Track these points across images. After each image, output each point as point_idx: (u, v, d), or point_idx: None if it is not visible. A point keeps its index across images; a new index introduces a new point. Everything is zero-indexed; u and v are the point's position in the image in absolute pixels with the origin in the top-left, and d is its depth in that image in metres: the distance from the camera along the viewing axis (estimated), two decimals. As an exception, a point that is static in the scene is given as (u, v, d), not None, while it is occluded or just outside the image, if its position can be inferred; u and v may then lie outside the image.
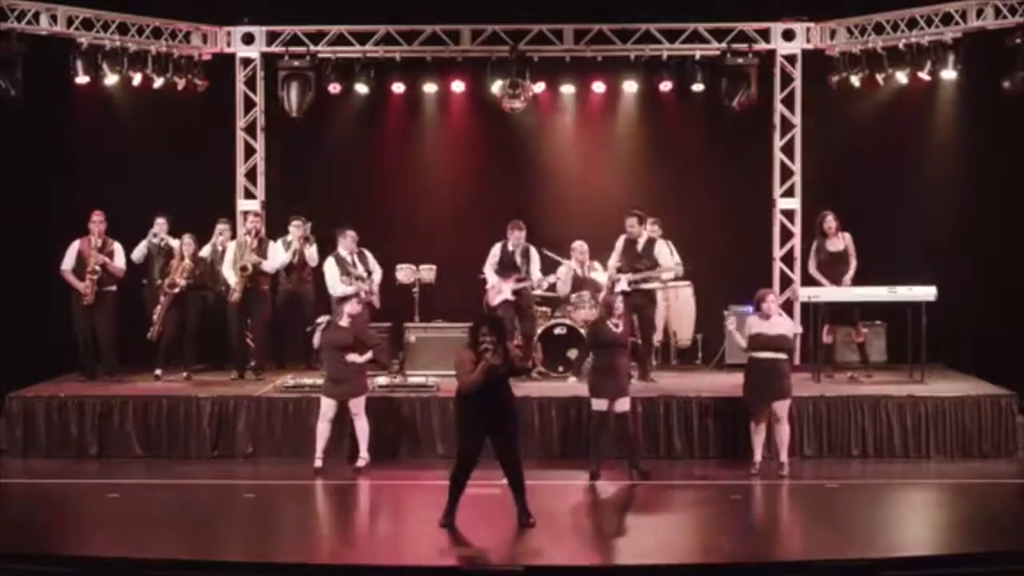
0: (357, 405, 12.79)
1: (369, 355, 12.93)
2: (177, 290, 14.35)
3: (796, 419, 12.99)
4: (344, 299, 13.64)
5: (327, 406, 12.76)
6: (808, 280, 14.74)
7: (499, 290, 14.46)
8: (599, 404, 12.43)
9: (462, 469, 10.83)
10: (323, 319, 13.26)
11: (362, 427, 12.80)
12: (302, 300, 14.88)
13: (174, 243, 14.72)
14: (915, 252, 15.05)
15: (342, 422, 12.88)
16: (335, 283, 14.27)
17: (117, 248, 14.52)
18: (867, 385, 14.11)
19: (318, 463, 12.72)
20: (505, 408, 10.79)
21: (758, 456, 12.55)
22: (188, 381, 14.35)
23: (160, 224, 14.85)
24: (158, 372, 14.48)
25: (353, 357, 12.71)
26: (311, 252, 14.82)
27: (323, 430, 12.77)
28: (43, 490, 12.41)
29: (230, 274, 14.45)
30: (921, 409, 13.32)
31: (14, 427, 13.43)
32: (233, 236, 15.12)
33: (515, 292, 14.51)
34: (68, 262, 14.36)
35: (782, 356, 12.41)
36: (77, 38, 14.82)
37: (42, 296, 14.80)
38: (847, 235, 14.57)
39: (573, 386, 13.87)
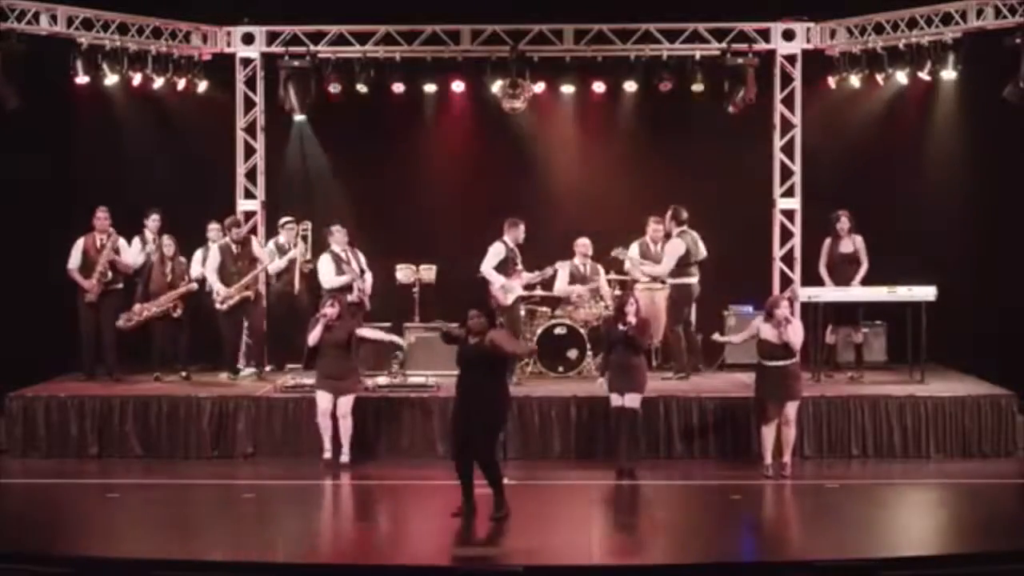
0: (346, 404, 12.84)
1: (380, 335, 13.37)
2: (176, 315, 14.46)
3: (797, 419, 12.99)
4: (338, 291, 13.87)
5: (323, 400, 12.85)
6: (816, 278, 14.76)
7: (509, 288, 14.39)
8: (615, 400, 12.45)
9: (454, 459, 11.02)
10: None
11: (347, 427, 12.87)
12: (295, 299, 14.86)
13: (166, 246, 14.65)
14: (915, 252, 15.05)
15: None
16: (330, 276, 14.31)
17: (122, 244, 14.52)
18: (867, 385, 14.11)
19: (327, 455, 12.84)
20: (478, 401, 10.89)
21: (769, 458, 12.53)
22: (188, 381, 14.35)
23: (153, 220, 14.83)
24: (157, 373, 14.49)
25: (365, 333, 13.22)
26: (302, 249, 14.90)
27: (324, 425, 12.88)
28: (43, 490, 12.41)
29: (214, 279, 14.45)
30: (921, 409, 13.32)
31: (14, 427, 13.43)
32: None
33: (527, 287, 14.55)
34: (74, 261, 14.39)
35: (790, 361, 12.41)
36: (77, 38, 14.80)
37: (42, 296, 14.80)
38: (859, 238, 14.67)
39: (573, 385, 13.91)
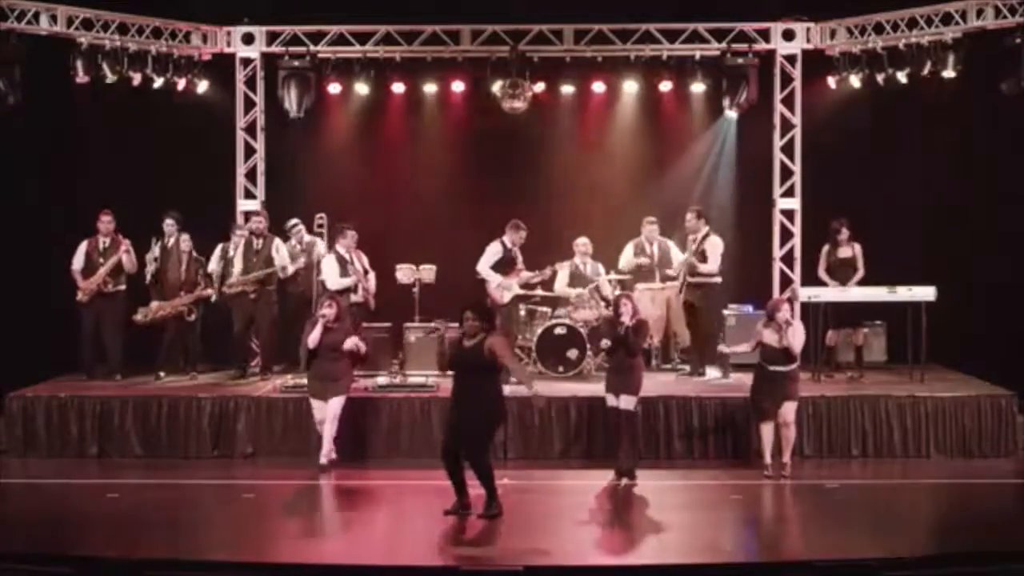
0: (336, 404, 12.72)
1: (355, 342, 12.93)
2: (190, 319, 14.53)
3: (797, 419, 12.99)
4: (342, 292, 13.81)
5: (318, 411, 12.79)
6: (817, 282, 14.77)
7: (506, 286, 14.39)
8: (610, 400, 12.43)
9: (441, 458, 11.02)
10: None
11: (331, 429, 12.73)
12: (308, 303, 14.81)
13: (183, 242, 14.68)
14: (915, 252, 15.06)
15: (346, 420, 12.91)
16: (334, 278, 14.30)
17: (127, 246, 14.50)
18: (867, 385, 14.12)
19: (332, 456, 12.83)
20: (468, 403, 10.86)
21: (768, 458, 12.52)
22: (193, 381, 14.35)
23: (169, 225, 14.82)
24: (160, 373, 14.51)
25: (348, 344, 12.76)
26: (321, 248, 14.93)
27: (323, 430, 12.83)
28: (43, 490, 12.41)
29: (238, 267, 14.47)
30: (921, 409, 13.32)
31: (14, 427, 13.43)
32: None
33: (524, 286, 14.55)
34: (77, 262, 14.48)
35: (791, 367, 12.40)
36: (77, 38, 14.82)
37: (42, 296, 14.81)
38: (857, 245, 14.70)
39: (573, 385, 13.91)
